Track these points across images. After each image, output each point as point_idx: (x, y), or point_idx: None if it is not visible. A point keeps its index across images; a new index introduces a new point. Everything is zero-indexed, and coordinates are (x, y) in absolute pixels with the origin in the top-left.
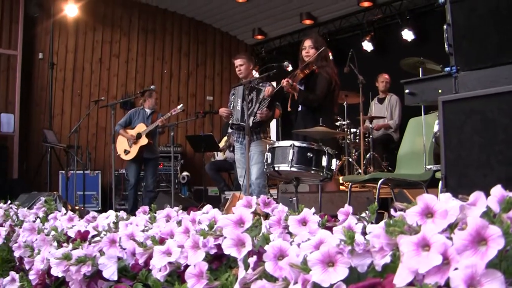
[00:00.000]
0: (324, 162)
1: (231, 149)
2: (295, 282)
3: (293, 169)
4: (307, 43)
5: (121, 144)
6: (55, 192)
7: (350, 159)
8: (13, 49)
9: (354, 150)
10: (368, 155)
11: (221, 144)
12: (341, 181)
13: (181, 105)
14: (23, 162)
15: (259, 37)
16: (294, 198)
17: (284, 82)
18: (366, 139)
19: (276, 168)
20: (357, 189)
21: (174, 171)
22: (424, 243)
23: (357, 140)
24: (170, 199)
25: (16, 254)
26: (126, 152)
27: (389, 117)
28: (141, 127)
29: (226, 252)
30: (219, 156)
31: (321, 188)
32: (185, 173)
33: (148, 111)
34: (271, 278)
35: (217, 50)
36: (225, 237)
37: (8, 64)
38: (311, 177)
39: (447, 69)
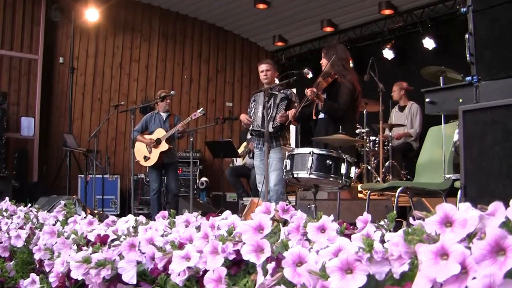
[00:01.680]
0: (343, 169)
1: (251, 155)
2: None
3: (312, 176)
4: (322, 54)
5: (140, 150)
6: (74, 196)
7: (369, 167)
8: (34, 54)
9: (373, 158)
10: (387, 163)
11: (240, 150)
12: (359, 189)
13: (201, 108)
14: (43, 166)
15: (280, 43)
16: (313, 205)
17: (308, 91)
18: (385, 147)
19: (295, 175)
20: (375, 197)
21: (193, 176)
22: (442, 252)
23: (376, 148)
24: (188, 205)
25: (36, 256)
26: (146, 158)
27: (410, 126)
28: (160, 132)
29: (245, 257)
30: (239, 161)
31: (339, 196)
32: (203, 179)
33: (163, 115)
34: (290, 284)
35: (237, 56)
36: (244, 243)
37: (29, 68)
38: (329, 185)
39: (468, 78)
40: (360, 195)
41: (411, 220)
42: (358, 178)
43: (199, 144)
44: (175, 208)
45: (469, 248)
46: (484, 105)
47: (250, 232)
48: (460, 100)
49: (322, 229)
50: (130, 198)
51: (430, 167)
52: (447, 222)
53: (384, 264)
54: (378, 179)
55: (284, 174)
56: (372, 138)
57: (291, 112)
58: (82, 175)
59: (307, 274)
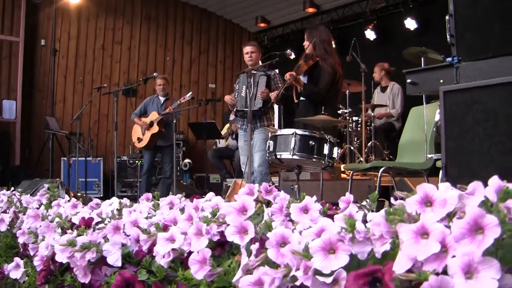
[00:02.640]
0: (325, 150)
1: (234, 136)
2: (297, 269)
3: (295, 157)
4: (305, 35)
5: (136, 132)
6: (58, 179)
7: (352, 148)
8: (15, 36)
9: (355, 138)
10: (369, 144)
11: (223, 132)
12: (342, 169)
13: (191, 92)
14: (25, 149)
15: (262, 25)
16: (296, 186)
17: (287, 75)
18: (367, 128)
19: (278, 156)
20: (358, 177)
21: (176, 158)
22: (423, 231)
23: (358, 129)
24: (171, 186)
25: (20, 240)
26: (139, 139)
27: (391, 106)
28: (153, 115)
29: (229, 239)
30: (221, 143)
31: (322, 176)
32: (187, 160)
33: (162, 98)
34: (273, 265)
35: (220, 38)
36: (228, 225)
37: (10, 50)
38: (312, 165)
39: (449, 59)
40: (343, 175)
41: (392, 200)
42: (341, 159)
43: (182, 126)
44: (166, 191)
45: (449, 227)
46: (465, 85)
47: (234, 214)
48: (441, 81)
49: (305, 210)
50: (113, 181)
51: (412, 147)
52: (428, 201)
53: (366, 244)
54: (361, 159)
55: (267, 155)
56: (355, 118)
57: (273, 94)
58: (65, 158)
59: (291, 255)
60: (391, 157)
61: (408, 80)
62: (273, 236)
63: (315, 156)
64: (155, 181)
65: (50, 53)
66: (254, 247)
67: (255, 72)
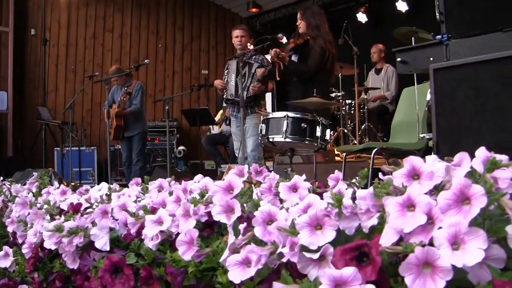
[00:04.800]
0: (318, 132)
1: (227, 122)
2: (284, 246)
3: (287, 140)
4: (298, 15)
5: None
6: (50, 168)
7: (346, 130)
8: (5, 26)
9: (349, 121)
10: (363, 126)
11: (217, 118)
12: (336, 152)
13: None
14: (17, 140)
15: (254, 10)
16: (289, 169)
17: (272, 52)
18: (361, 110)
19: (271, 139)
20: (352, 160)
21: (170, 145)
22: (409, 203)
23: (352, 112)
24: (166, 174)
25: (9, 229)
26: (109, 132)
27: (386, 88)
28: (114, 108)
29: (215, 218)
30: (215, 129)
31: (315, 159)
32: (181, 147)
33: (123, 88)
34: (261, 243)
35: (212, 24)
36: (214, 204)
37: (0, 41)
38: (305, 148)
39: (438, 37)
40: (337, 158)
41: (381, 175)
42: (335, 142)
43: (176, 113)
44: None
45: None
46: (454, 63)
47: (220, 193)
48: (431, 59)
49: (294, 188)
50: (107, 170)
51: (404, 127)
52: (415, 174)
53: (353, 219)
54: (355, 142)
55: (260, 138)
56: (348, 101)
57: (259, 71)
58: (58, 148)
59: (277, 232)
60: (385, 139)
61: (398, 59)
62: (259, 214)
63: (307, 138)
64: (149, 169)
65: (41, 43)
66: (242, 226)
67: (252, 62)
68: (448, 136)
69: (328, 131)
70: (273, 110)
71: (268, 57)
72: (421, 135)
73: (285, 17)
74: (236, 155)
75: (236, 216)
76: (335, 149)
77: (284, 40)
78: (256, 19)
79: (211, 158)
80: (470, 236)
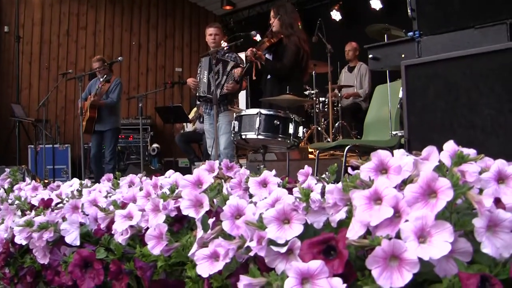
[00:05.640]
0: (291, 129)
1: (201, 120)
2: (251, 240)
3: (260, 136)
4: (271, 13)
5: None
6: (24, 165)
7: (319, 128)
8: None
9: (323, 119)
10: (337, 124)
11: (191, 115)
12: (310, 150)
13: (105, 75)
14: None
15: (228, 7)
16: (262, 166)
17: (248, 51)
18: (335, 108)
19: (243, 136)
20: (325, 157)
21: (144, 143)
22: (376, 196)
23: (325, 109)
24: (139, 171)
25: None
26: (82, 125)
27: (359, 86)
28: (89, 100)
29: (184, 212)
30: (189, 127)
31: (288, 156)
32: (155, 145)
33: (101, 80)
34: (229, 237)
35: (186, 21)
36: (183, 198)
37: None
38: (278, 145)
39: (410, 33)
40: (310, 156)
41: (350, 170)
42: (308, 140)
43: (150, 110)
44: None
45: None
46: (426, 59)
47: (189, 187)
48: (403, 56)
49: (264, 184)
50: (81, 167)
51: (377, 125)
52: (382, 168)
53: (321, 213)
54: (329, 139)
55: (233, 135)
56: (322, 99)
57: (237, 71)
58: (32, 146)
59: (245, 226)
60: (358, 137)
61: (370, 55)
62: (227, 208)
63: (280, 135)
64: (123, 167)
65: (14, 40)
66: (211, 220)
67: (228, 60)
68: (420, 133)
69: (301, 128)
70: (247, 108)
71: (242, 55)
72: (394, 133)
73: (259, 15)
74: (209, 152)
75: (205, 211)
76: (309, 147)
77: (258, 37)
78: (230, 17)
79: (185, 156)
80: (437, 229)
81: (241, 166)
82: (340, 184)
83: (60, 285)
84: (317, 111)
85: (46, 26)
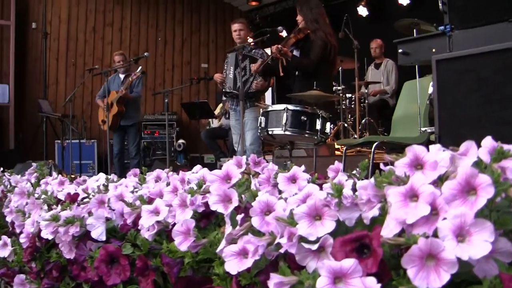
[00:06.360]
0: (318, 125)
1: (227, 115)
2: (281, 236)
3: (287, 132)
4: (297, 10)
5: (100, 114)
6: (50, 160)
7: (346, 125)
8: (6, 20)
9: (349, 115)
10: (363, 121)
11: (217, 111)
12: (337, 146)
13: (140, 67)
14: (18, 133)
15: (254, 3)
16: (288, 162)
17: (273, 48)
18: (361, 105)
19: (270, 132)
20: (352, 154)
21: (170, 138)
22: (412, 193)
23: (352, 106)
24: (165, 167)
25: (8, 219)
26: (104, 122)
27: (386, 83)
28: (112, 95)
29: (212, 208)
30: (215, 123)
31: (315, 153)
32: (180, 141)
33: (122, 76)
34: (258, 234)
35: (211, 17)
36: (211, 193)
37: (1, 34)
38: (305, 141)
39: (441, 27)
40: (337, 152)
41: (382, 166)
42: (335, 136)
43: (176, 106)
44: None
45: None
46: (457, 54)
47: (217, 182)
48: (433, 50)
49: (293, 179)
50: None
51: (405, 121)
52: (418, 164)
53: (354, 210)
54: (355, 136)
55: (259, 131)
56: (348, 95)
57: (254, 66)
58: (59, 141)
59: (275, 222)
60: (385, 134)
61: (400, 50)
62: (257, 204)
63: (307, 131)
64: (149, 162)
65: (41, 37)
66: (239, 217)
67: (257, 57)
68: (451, 129)
69: (328, 124)
70: (273, 104)
71: (268, 51)
72: (423, 129)
73: (285, 10)
74: (235, 148)
75: (234, 206)
76: (335, 143)
77: (284, 33)
78: (256, 13)
79: (211, 152)
80: (476, 228)
81: (267, 162)
82: (372, 179)
83: (86, 280)
84: (344, 107)
85: (73, 22)
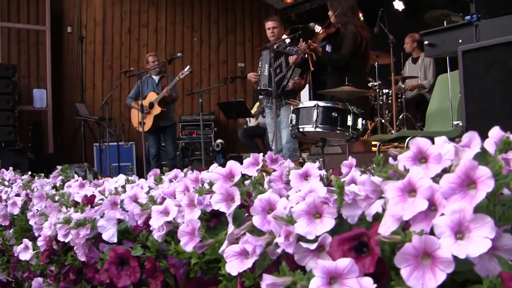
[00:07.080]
0: (349, 121)
1: (264, 114)
2: (279, 235)
3: (318, 129)
4: (328, 6)
5: (135, 116)
6: (85, 163)
7: (383, 120)
8: (42, 24)
9: (386, 111)
10: (401, 116)
11: (253, 110)
12: (373, 142)
13: (188, 67)
14: (57, 137)
15: (289, 0)
16: (320, 159)
17: (303, 43)
18: (398, 100)
19: (301, 129)
20: (388, 150)
21: (208, 138)
22: (410, 188)
23: (389, 101)
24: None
25: (31, 222)
26: (141, 123)
27: (423, 77)
28: (152, 96)
29: (215, 207)
30: (252, 122)
31: (348, 149)
32: (219, 141)
33: (155, 77)
34: (260, 233)
35: (247, 16)
36: (214, 192)
37: (37, 39)
38: (336, 137)
39: (467, 17)
40: (374, 148)
41: (390, 160)
42: (372, 132)
43: (213, 106)
44: None
45: None
46: (484, 44)
47: (220, 181)
48: (460, 41)
49: (306, 176)
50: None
51: (439, 115)
52: (422, 158)
53: (356, 206)
54: (393, 132)
55: (290, 128)
56: (385, 91)
57: (292, 58)
58: (97, 144)
59: (273, 221)
60: (423, 129)
61: (426, 42)
62: (258, 202)
63: (338, 128)
64: (187, 163)
65: (77, 40)
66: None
67: (288, 53)
68: (478, 121)
69: (360, 120)
70: (310, 100)
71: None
72: (455, 123)
73: (320, 7)
74: (271, 147)
75: (236, 205)
76: (371, 139)
77: (318, 29)
78: (291, 10)
79: (249, 151)
80: (476, 224)
81: (304, 160)
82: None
83: (100, 283)
84: (381, 103)
85: (108, 25)
